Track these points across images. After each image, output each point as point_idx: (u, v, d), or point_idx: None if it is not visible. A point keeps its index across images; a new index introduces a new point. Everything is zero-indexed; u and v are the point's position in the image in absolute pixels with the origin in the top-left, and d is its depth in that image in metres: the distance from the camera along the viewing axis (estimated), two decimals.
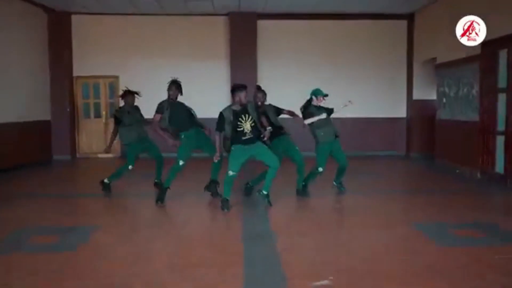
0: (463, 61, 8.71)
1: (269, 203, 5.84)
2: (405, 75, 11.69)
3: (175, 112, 6.24)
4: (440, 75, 9.78)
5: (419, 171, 9.64)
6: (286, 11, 11.09)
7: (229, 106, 5.73)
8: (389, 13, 11.27)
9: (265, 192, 5.82)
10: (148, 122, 6.94)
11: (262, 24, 11.33)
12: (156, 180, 7.22)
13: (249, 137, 5.62)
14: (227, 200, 5.74)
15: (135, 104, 7.08)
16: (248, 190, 6.60)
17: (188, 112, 6.34)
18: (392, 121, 11.75)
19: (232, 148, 5.67)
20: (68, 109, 11.16)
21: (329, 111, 6.54)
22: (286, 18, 11.36)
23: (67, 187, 8.00)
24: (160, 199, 6.16)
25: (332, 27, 11.57)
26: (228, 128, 5.63)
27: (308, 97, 6.53)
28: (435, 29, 10.08)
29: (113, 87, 11.59)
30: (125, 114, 6.92)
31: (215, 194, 6.50)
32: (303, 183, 6.64)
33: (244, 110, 5.63)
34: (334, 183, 6.89)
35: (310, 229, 5.00)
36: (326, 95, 6.41)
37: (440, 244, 4.39)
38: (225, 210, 5.68)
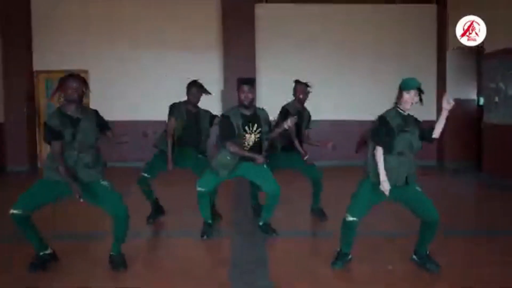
0: None
1: (274, 232, 4.70)
2: (435, 69, 9.83)
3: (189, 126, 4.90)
4: (490, 67, 8.07)
5: (476, 191, 7.73)
6: None
7: (237, 108, 4.48)
8: None
9: (261, 224, 4.74)
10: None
11: (261, 8, 9.53)
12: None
13: None
14: (210, 224, 4.67)
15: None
16: (257, 211, 5.33)
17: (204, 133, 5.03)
18: None
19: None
20: (24, 110, 9.32)
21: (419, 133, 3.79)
22: (291, 0, 9.65)
23: None
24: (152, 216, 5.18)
25: (346, 13, 9.81)
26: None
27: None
28: (480, 8, 8.17)
29: None
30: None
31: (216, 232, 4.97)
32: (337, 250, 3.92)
33: (254, 117, 4.44)
34: (415, 256, 3.92)
35: None
36: (421, 92, 3.71)
37: None
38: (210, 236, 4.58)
